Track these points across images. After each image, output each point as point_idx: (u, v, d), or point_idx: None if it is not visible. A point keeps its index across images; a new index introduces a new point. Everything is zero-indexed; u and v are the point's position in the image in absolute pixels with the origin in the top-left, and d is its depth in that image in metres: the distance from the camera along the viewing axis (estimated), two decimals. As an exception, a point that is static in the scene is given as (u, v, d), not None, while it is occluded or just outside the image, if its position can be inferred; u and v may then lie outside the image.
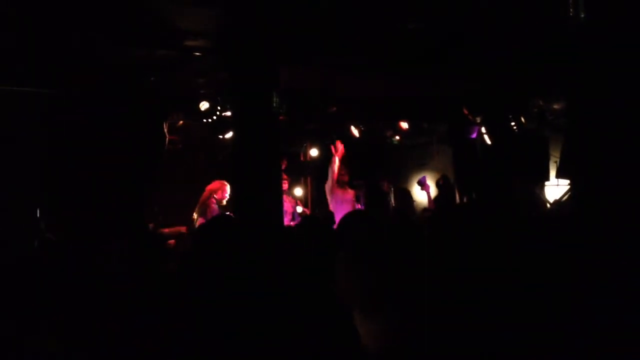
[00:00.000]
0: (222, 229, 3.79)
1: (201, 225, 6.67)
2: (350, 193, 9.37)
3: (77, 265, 3.94)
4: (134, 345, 3.07)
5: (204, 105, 7.69)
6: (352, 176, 9.48)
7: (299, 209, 9.52)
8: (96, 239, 4.94)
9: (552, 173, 8.63)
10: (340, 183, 9.30)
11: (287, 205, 8.86)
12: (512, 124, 8.86)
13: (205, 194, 8.29)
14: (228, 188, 8.34)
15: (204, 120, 7.83)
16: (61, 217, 7.20)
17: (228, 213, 8.05)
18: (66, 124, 7.64)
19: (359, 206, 9.29)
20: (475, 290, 3.09)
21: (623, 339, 2.83)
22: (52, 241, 5.96)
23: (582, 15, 4.45)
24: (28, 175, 7.32)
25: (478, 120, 9.13)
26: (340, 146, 9.34)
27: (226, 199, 8.33)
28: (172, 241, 7.45)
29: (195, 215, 8.26)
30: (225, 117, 7.65)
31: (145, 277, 3.81)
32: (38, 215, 6.65)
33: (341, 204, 9.07)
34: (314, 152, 11.22)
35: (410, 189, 11.20)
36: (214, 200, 8.26)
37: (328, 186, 9.34)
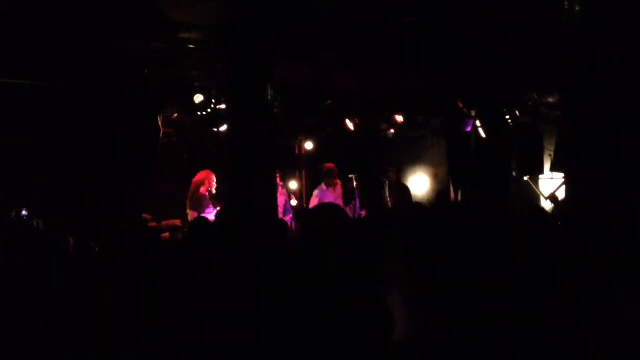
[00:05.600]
0: (216, 224, 3.80)
1: (193, 220, 6.68)
2: (338, 191, 9.42)
3: (71, 257, 3.94)
4: (129, 338, 3.07)
5: (199, 98, 7.67)
6: (344, 170, 9.54)
7: (293, 202, 9.52)
8: (90, 232, 4.93)
9: (547, 166, 8.65)
10: (331, 184, 9.38)
11: (280, 198, 8.87)
12: (507, 117, 8.87)
13: (193, 186, 8.28)
14: (213, 177, 8.34)
15: (199, 113, 7.81)
16: (56, 209, 7.18)
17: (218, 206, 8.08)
18: (60, 117, 7.63)
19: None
20: (472, 288, 3.10)
21: (621, 333, 2.84)
22: (46, 233, 5.94)
23: (577, 9, 4.45)
24: (22, 168, 7.31)
25: (472, 113, 9.13)
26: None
27: (214, 187, 8.32)
28: (165, 234, 7.45)
29: (187, 207, 8.26)
30: (220, 109, 7.63)
31: (140, 270, 3.81)
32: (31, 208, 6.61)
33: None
34: (308, 145, 11.21)
35: (406, 182, 11.22)
36: (204, 191, 8.26)
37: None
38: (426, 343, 2.30)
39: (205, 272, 3.46)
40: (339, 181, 9.53)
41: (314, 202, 9.42)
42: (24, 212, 6.35)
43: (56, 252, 3.65)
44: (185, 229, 7.63)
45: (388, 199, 9.70)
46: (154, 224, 7.75)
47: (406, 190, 10.20)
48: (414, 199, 10.33)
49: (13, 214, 6.35)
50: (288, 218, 8.80)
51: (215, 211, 8.08)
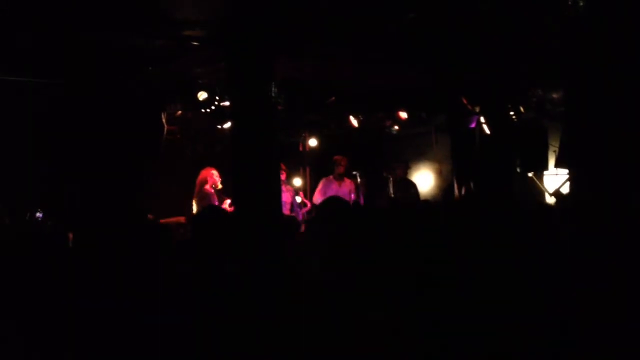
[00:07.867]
0: (216, 220, 3.79)
1: (195, 216, 6.69)
2: (346, 185, 9.40)
3: (73, 256, 3.94)
4: (132, 337, 3.07)
5: (202, 96, 7.68)
6: (349, 166, 9.52)
7: (298, 199, 9.53)
8: (95, 229, 4.94)
9: (551, 162, 8.63)
10: (337, 176, 9.37)
11: (285, 195, 8.87)
12: (511, 113, 8.85)
13: (197, 187, 8.32)
14: (214, 172, 8.36)
15: (203, 111, 7.82)
16: (59, 207, 7.20)
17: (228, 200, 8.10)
18: (65, 115, 7.64)
19: (354, 197, 9.32)
20: (470, 283, 3.10)
21: (620, 332, 2.83)
22: (48, 231, 5.95)
23: (581, 4, 4.44)
24: (22, 168, 7.32)
25: (477, 109, 9.12)
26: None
27: (218, 182, 8.34)
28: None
29: (194, 206, 8.27)
30: (224, 107, 7.65)
31: (144, 268, 3.81)
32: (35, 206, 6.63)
33: None
34: (312, 143, 11.22)
35: (410, 179, 11.23)
36: (209, 188, 8.29)
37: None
38: None
39: (211, 267, 3.47)
40: (347, 179, 9.51)
41: (316, 193, 9.48)
42: (38, 214, 6.36)
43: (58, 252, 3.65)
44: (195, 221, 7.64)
45: (392, 195, 9.69)
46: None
47: (412, 186, 10.15)
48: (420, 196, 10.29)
49: (27, 215, 6.36)
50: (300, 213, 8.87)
51: (224, 206, 8.11)
